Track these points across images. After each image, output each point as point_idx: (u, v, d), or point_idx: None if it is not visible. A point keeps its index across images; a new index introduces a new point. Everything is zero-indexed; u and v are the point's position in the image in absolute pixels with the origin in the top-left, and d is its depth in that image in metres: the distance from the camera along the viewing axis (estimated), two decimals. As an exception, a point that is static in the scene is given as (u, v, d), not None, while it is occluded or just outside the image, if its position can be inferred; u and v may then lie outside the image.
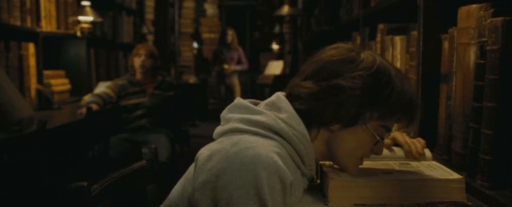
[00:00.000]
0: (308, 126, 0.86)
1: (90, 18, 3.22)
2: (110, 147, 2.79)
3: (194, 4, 7.43)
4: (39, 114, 2.63)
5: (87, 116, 2.44)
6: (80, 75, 3.66)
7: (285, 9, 3.12)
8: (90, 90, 3.60)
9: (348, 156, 0.88)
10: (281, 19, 5.72)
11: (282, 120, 0.84)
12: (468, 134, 1.05)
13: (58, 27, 3.34)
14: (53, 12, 3.26)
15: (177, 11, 7.10)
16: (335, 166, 0.95)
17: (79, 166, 2.38)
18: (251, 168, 0.77)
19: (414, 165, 0.95)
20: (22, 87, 2.80)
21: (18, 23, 2.74)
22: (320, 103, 0.85)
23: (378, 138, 0.87)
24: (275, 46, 7.18)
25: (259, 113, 0.86)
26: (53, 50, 3.49)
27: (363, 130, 0.86)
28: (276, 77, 5.31)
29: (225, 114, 0.91)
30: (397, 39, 1.61)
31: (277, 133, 0.83)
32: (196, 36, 7.63)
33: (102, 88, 3.31)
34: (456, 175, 0.88)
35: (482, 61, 0.99)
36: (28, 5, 2.85)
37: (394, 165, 0.95)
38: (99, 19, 3.47)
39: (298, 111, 0.87)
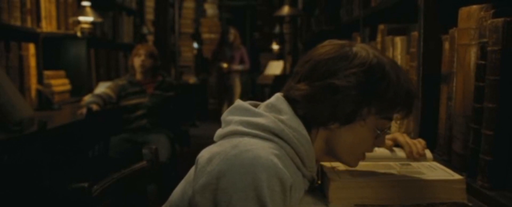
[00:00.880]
0: (308, 126, 0.86)
1: (90, 18, 3.22)
2: (110, 147, 2.79)
3: (194, 4, 7.43)
4: (39, 114, 2.63)
5: (87, 116, 2.44)
6: (80, 76, 3.65)
7: (286, 10, 3.12)
8: (90, 90, 3.59)
9: (349, 152, 0.88)
10: (281, 19, 5.72)
11: (282, 122, 0.84)
12: (469, 135, 1.05)
13: (58, 27, 3.34)
14: (53, 13, 3.26)
15: (177, 11, 7.10)
16: (336, 167, 0.95)
17: (79, 166, 2.38)
18: (250, 171, 0.76)
19: (415, 165, 0.95)
20: (22, 87, 2.80)
21: (18, 23, 2.74)
22: (316, 104, 0.84)
23: (378, 132, 0.87)
24: (275, 46, 7.18)
25: (259, 115, 0.86)
26: (53, 51, 3.49)
27: (361, 126, 0.85)
28: (276, 77, 5.31)
29: (225, 116, 0.91)
30: (398, 40, 1.61)
31: (277, 135, 0.83)
32: (196, 36, 7.62)
33: (102, 88, 3.31)
34: (457, 176, 0.88)
35: (483, 62, 0.99)
36: (28, 5, 2.85)
37: (395, 165, 0.95)
38: (99, 20, 3.46)
39: (296, 112, 0.86)
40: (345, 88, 0.83)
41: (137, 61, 3.25)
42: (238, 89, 6.38)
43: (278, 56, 7.15)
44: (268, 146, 0.81)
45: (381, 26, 1.78)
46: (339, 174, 0.88)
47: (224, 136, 0.87)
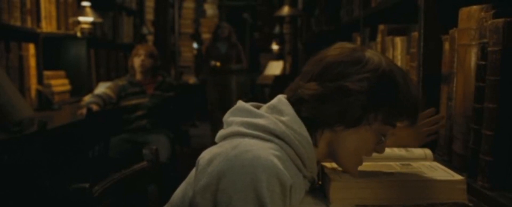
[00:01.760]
0: (311, 128, 0.86)
1: (90, 18, 3.22)
2: (110, 147, 2.79)
3: (194, 5, 7.43)
4: (39, 114, 2.63)
5: (87, 116, 2.44)
6: (80, 76, 3.66)
7: (286, 10, 3.12)
8: (90, 90, 3.59)
9: (351, 155, 0.88)
10: (281, 19, 5.71)
11: (283, 123, 0.84)
12: (469, 135, 1.05)
13: (58, 27, 3.34)
14: (53, 13, 3.26)
15: (177, 11, 7.10)
16: (337, 167, 0.95)
17: (79, 167, 2.38)
18: (250, 171, 0.77)
19: (415, 166, 0.95)
20: (22, 88, 2.80)
21: (18, 23, 2.74)
22: (325, 105, 0.84)
23: (382, 138, 0.87)
24: (275, 47, 7.19)
25: (260, 116, 0.86)
26: (53, 51, 3.49)
27: (366, 130, 0.86)
28: (276, 78, 5.32)
29: (227, 117, 0.91)
30: (398, 40, 1.61)
31: (278, 136, 0.83)
32: (196, 37, 7.63)
33: (102, 88, 3.31)
34: (457, 176, 0.88)
35: (483, 62, 0.99)
36: (28, 5, 2.85)
37: (395, 166, 0.95)
38: (99, 20, 3.47)
39: (300, 113, 0.86)
40: (357, 91, 0.83)
41: (137, 61, 3.25)
42: (234, 93, 5.33)
43: (278, 56, 7.15)
44: (269, 147, 0.81)
45: (381, 27, 1.78)
46: (340, 174, 0.89)
47: (225, 137, 0.87)
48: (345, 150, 0.87)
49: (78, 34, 3.28)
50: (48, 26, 3.16)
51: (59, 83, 3.33)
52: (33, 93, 2.94)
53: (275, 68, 6.65)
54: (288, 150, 0.83)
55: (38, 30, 2.98)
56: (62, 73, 3.45)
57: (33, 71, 2.92)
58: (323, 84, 0.84)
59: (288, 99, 0.90)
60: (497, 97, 0.92)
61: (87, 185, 0.85)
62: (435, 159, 1.07)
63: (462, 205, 0.85)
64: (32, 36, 2.93)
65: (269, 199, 0.76)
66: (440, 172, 0.91)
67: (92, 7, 3.32)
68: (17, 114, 1.95)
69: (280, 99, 0.90)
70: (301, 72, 0.92)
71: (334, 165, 0.95)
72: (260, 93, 6.06)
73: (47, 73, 3.15)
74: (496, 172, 0.93)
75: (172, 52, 6.81)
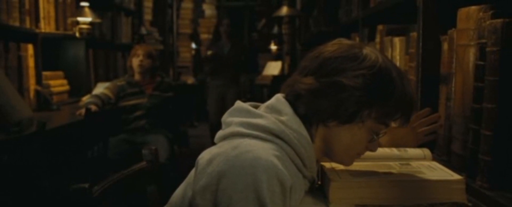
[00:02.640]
0: (307, 125, 0.86)
1: (88, 19, 3.22)
2: (109, 148, 2.79)
3: (192, 5, 7.43)
4: (38, 115, 2.62)
5: (86, 117, 2.44)
6: (78, 76, 3.65)
7: (284, 10, 3.12)
8: (88, 91, 3.59)
9: (344, 151, 0.89)
10: (280, 20, 5.72)
11: (283, 122, 0.84)
12: (468, 135, 1.05)
13: (57, 28, 3.34)
14: (52, 13, 3.26)
15: (175, 11, 7.10)
16: (336, 167, 0.95)
17: (78, 167, 2.38)
18: (250, 172, 0.77)
19: (415, 165, 0.95)
20: (21, 88, 2.80)
21: (17, 24, 2.73)
22: (319, 99, 0.84)
23: (374, 136, 0.87)
24: (273, 47, 7.19)
25: (259, 116, 0.86)
26: (51, 51, 3.48)
27: (359, 128, 0.86)
28: (275, 78, 5.32)
29: (225, 118, 0.91)
30: (397, 40, 1.61)
31: (277, 136, 0.83)
32: (195, 37, 7.62)
33: (100, 89, 3.31)
34: (456, 176, 0.88)
35: (482, 63, 0.99)
36: (27, 6, 2.84)
37: (395, 165, 0.95)
38: (98, 20, 3.46)
39: (297, 110, 0.87)
40: (351, 87, 0.83)
41: (135, 62, 3.25)
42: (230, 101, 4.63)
43: (277, 56, 7.15)
44: (269, 147, 0.81)
45: (380, 27, 1.78)
46: (340, 174, 0.89)
47: (225, 138, 0.87)
48: (338, 146, 0.88)
49: (77, 35, 3.28)
50: (46, 26, 3.15)
51: (58, 84, 3.33)
52: (31, 93, 2.94)
53: (273, 68, 6.65)
54: (287, 150, 0.83)
55: (37, 31, 2.98)
56: (60, 73, 3.45)
57: (31, 72, 2.92)
58: (319, 79, 0.85)
59: (286, 96, 0.90)
60: (496, 97, 0.93)
61: (86, 185, 0.85)
62: (434, 159, 1.07)
63: (461, 205, 0.85)
64: (31, 37, 2.93)
65: (270, 199, 0.76)
66: (439, 172, 0.91)
67: (90, 7, 3.32)
68: (16, 115, 1.95)
69: (278, 99, 0.90)
70: (298, 67, 0.93)
71: (333, 164, 0.96)
72: (259, 93, 6.05)
73: (45, 73, 3.15)
74: (495, 172, 0.93)
75: (170, 53, 6.81)
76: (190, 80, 7.03)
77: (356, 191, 0.84)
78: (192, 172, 0.89)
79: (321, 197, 0.90)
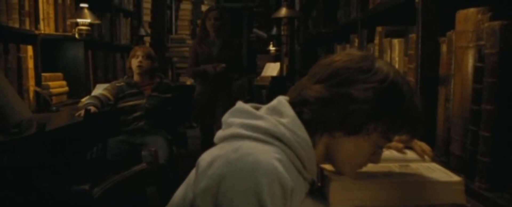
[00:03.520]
0: (310, 130, 0.86)
1: (88, 20, 3.22)
2: (108, 149, 2.79)
3: (191, 6, 7.43)
4: (37, 116, 2.62)
5: (86, 118, 2.44)
6: (78, 77, 3.66)
7: (283, 11, 3.13)
8: (88, 92, 3.60)
9: (346, 162, 0.89)
10: (278, 21, 5.74)
11: (283, 125, 0.84)
12: (467, 137, 1.06)
13: (56, 29, 3.34)
14: (51, 14, 3.26)
15: (174, 12, 7.11)
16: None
17: (78, 168, 2.38)
18: (251, 175, 0.77)
19: (414, 167, 0.96)
20: (21, 89, 2.80)
21: (16, 25, 2.74)
22: (327, 109, 0.84)
23: (379, 149, 0.88)
24: (272, 48, 7.19)
25: (260, 118, 0.86)
26: (50, 52, 3.49)
27: (364, 140, 0.86)
28: (274, 79, 5.32)
29: (226, 118, 0.92)
30: (396, 42, 1.61)
31: (278, 138, 0.83)
32: (194, 38, 7.63)
33: (99, 90, 3.31)
34: (456, 177, 0.89)
35: (480, 65, 1.00)
36: (26, 7, 2.85)
37: (394, 167, 0.96)
38: (97, 21, 3.47)
39: (300, 115, 0.87)
40: (361, 100, 0.83)
41: (134, 63, 3.25)
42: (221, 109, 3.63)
43: (275, 57, 7.16)
44: (269, 150, 0.81)
45: (379, 28, 1.79)
46: (340, 176, 0.89)
47: (225, 139, 0.87)
48: (341, 157, 0.88)
49: (76, 36, 3.28)
50: (46, 27, 3.16)
51: (57, 85, 3.33)
52: (31, 94, 2.94)
53: (272, 69, 6.66)
54: (288, 152, 0.83)
55: (37, 32, 2.98)
56: (59, 75, 3.45)
57: (31, 73, 2.92)
58: (329, 88, 0.85)
59: (291, 99, 0.90)
60: (495, 99, 0.93)
61: (87, 187, 0.86)
62: (433, 160, 1.08)
63: (460, 206, 0.86)
64: (31, 38, 2.93)
65: (271, 202, 0.76)
66: (438, 173, 0.92)
67: (90, 8, 3.32)
68: (15, 116, 1.95)
69: (280, 101, 0.90)
70: (307, 73, 0.92)
71: (332, 167, 0.96)
72: (258, 94, 6.05)
73: (45, 74, 3.15)
74: (494, 173, 0.94)
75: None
76: (189, 81, 7.03)
77: (356, 193, 0.85)
78: (193, 173, 0.90)
79: (321, 199, 0.90)
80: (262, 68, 7.10)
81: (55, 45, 3.55)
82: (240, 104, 0.92)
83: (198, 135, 4.81)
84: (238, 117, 0.89)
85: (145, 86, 3.24)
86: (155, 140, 2.98)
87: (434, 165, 0.98)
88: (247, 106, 0.91)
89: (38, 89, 2.97)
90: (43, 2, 3.10)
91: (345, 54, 0.91)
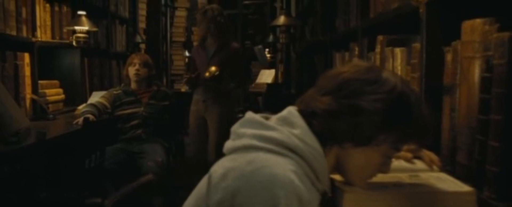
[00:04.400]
0: (321, 142, 0.86)
1: (85, 27, 3.21)
2: (106, 157, 2.77)
3: (186, 13, 7.44)
4: (34, 124, 2.60)
5: (84, 126, 2.43)
6: (74, 85, 3.64)
7: (282, 19, 3.15)
8: (84, 100, 3.58)
9: (357, 173, 0.89)
10: (274, 28, 5.76)
11: (296, 136, 0.84)
12: (474, 146, 1.06)
13: (53, 36, 3.32)
14: (48, 22, 3.24)
15: (168, 19, 7.11)
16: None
17: (76, 177, 2.36)
18: (268, 188, 0.76)
19: (424, 177, 0.96)
20: (17, 97, 2.78)
21: (14, 33, 2.72)
22: (337, 121, 0.84)
23: (388, 159, 0.88)
24: (267, 55, 7.21)
25: (272, 129, 0.86)
26: (47, 60, 3.47)
27: (374, 151, 0.86)
28: (269, 86, 5.32)
29: (236, 128, 0.91)
30: (398, 51, 1.62)
31: (291, 150, 0.83)
32: (188, 45, 7.62)
33: (96, 98, 3.30)
34: (466, 188, 0.89)
35: (488, 75, 1.01)
36: (24, 15, 2.83)
37: (404, 177, 0.96)
38: (94, 29, 3.46)
39: (311, 126, 0.86)
40: (370, 111, 0.83)
41: (131, 71, 3.25)
42: (213, 133, 3.37)
43: (270, 64, 7.17)
44: (285, 162, 0.81)
45: (380, 37, 1.80)
46: (352, 187, 0.89)
47: (236, 150, 0.87)
48: (352, 168, 0.88)
49: (74, 44, 3.27)
50: (42, 35, 3.14)
51: (54, 93, 3.31)
52: (27, 102, 2.91)
53: (267, 76, 6.66)
54: (302, 164, 0.83)
55: (34, 39, 2.96)
56: (56, 82, 3.43)
57: (28, 81, 2.90)
58: (338, 100, 0.85)
59: (299, 111, 0.90)
60: (504, 109, 0.94)
61: (99, 199, 0.85)
62: (441, 169, 1.08)
63: (472, 216, 0.86)
64: (28, 45, 2.91)
65: None
66: (449, 183, 0.92)
67: (87, 16, 3.31)
68: (14, 125, 1.93)
69: (291, 111, 0.90)
70: (315, 85, 0.93)
71: (341, 177, 0.96)
72: (254, 101, 6.04)
73: (41, 82, 3.13)
74: (504, 183, 0.94)
75: (164, 61, 6.80)
76: (184, 88, 7.02)
77: (369, 204, 0.84)
78: (202, 184, 0.89)
79: (333, 210, 0.90)
80: (256, 75, 7.10)
81: (50, 52, 3.53)
82: (250, 114, 0.92)
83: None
84: (249, 127, 0.88)
85: (142, 94, 3.23)
86: (153, 148, 2.96)
87: (444, 175, 0.99)
88: (258, 117, 0.91)
89: (35, 97, 2.94)
90: (40, 9, 3.09)
91: (352, 66, 0.92)
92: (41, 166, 1.80)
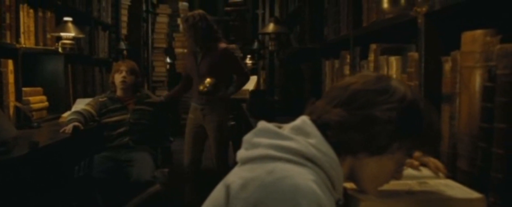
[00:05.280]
0: (336, 151, 0.87)
1: (72, 34, 3.16)
2: (94, 166, 2.72)
3: (167, 19, 7.40)
4: (20, 133, 2.54)
5: (73, 134, 2.39)
6: (57, 92, 3.57)
7: (271, 27, 3.17)
8: (68, 107, 3.51)
9: (371, 182, 0.90)
10: (258, 35, 5.78)
11: (313, 146, 0.85)
12: (475, 153, 1.09)
13: (37, 43, 3.26)
14: (32, 28, 3.18)
15: (150, 26, 7.06)
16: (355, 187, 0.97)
17: (65, 187, 2.31)
18: (290, 198, 0.77)
19: (433, 184, 0.98)
20: (1, 105, 2.71)
21: (-3, 39, 2.66)
22: (352, 132, 0.85)
23: (401, 166, 0.90)
24: (248, 62, 7.23)
25: (288, 138, 0.86)
26: (30, 67, 3.40)
27: (388, 159, 0.88)
28: (253, 93, 5.32)
29: (250, 138, 0.91)
30: (393, 59, 1.65)
31: (309, 159, 0.84)
32: (169, 51, 7.58)
33: (80, 105, 3.24)
34: (476, 194, 0.92)
35: (491, 84, 1.04)
36: (8, 20, 2.77)
37: (413, 184, 0.98)
38: (81, 35, 3.41)
39: (325, 137, 0.87)
40: (384, 121, 0.85)
41: (118, 78, 3.22)
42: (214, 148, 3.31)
43: (251, 71, 7.20)
44: (304, 172, 0.81)
45: (374, 46, 1.83)
46: (365, 195, 0.91)
47: (252, 160, 0.87)
48: (367, 176, 0.90)
49: (60, 50, 3.22)
50: (26, 41, 3.08)
51: (37, 100, 3.24)
52: (11, 110, 2.84)
53: (249, 83, 6.68)
54: (320, 173, 0.83)
55: (18, 46, 2.90)
56: (39, 89, 3.36)
57: (11, 88, 2.83)
58: (351, 111, 0.86)
59: (313, 121, 0.91)
60: (508, 117, 0.97)
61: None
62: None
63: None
64: (11, 52, 2.85)
65: None
66: (458, 190, 0.94)
67: (73, 22, 3.26)
68: (2, 134, 1.89)
69: (305, 121, 0.91)
70: (326, 95, 0.94)
71: (353, 185, 0.97)
72: (237, 108, 6.03)
73: (25, 89, 3.06)
74: (508, 189, 0.97)
75: (146, 67, 6.74)
76: (165, 94, 6.97)
77: (386, 211, 0.86)
78: (218, 195, 0.87)
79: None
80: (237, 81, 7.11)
81: (34, 59, 3.46)
82: (264, 124, 0.92)
83: (176, 149, 4.71)
84: (264, 137, 0.88)
85: (129, 100, 3.20)
86: (141, 156, 2.93)
87: (451, 182, 1.01)
88: (272, 126, 0.91)
89: (19, 104, 2.88)
90: (23, 15, 3.03)
91: (360, 76, 0.93)
92: (34, 177, 1.76)
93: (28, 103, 3.05)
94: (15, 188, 1.70)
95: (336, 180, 0.86)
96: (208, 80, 3.16)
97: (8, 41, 2.80)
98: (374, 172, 0.89)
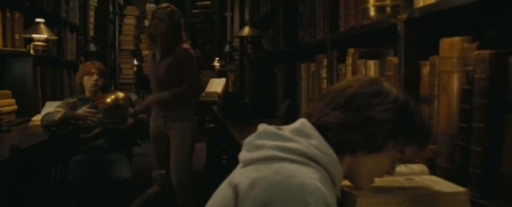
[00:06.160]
0: (335, 151, 0.93)
1: (44, 36, 3.10)
2: (69, 170, 2.68)
3: (135, 21, 7.32)
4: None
5: (50, 136, 2.35)
6: (26, 95, 3.48)
7: (246, 30, 3.22)
8: (37, 110, 3.43)
9: (367, 178, 0.97)
10: (231, 38, 5.82)
11: (314, 146, 0.90)
12: (454, 151, 1.19)
13: (5, 44, 3.17)
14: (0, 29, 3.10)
15: (117, 27, 6.96)
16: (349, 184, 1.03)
17: (42, 190, 2.27)
18: (299, 196, 0.81)
19: (419, 180, 1.06)
20: (-30, 109, 2.63)
21: (-34, 40, 2.58)
22: (351, 133, 0.91)
23: (395, 163, 0.97)
24: (216, 64, 7.25)
25: (291, 140, 0.91)
26: (-3, 69, 3.30)
27: (384, 157, 0.95)
28: (225, 95, 5.34)
29: (252, 140, 0.95)
30: (371, 63, 1.74)
31: (312, 159, 0.89)
32: (137, 53, 7.49)
33: (50, 108, 3.18)
34: (460, 188, 1.00)
35: (468, 87, 1.13)
36: (-24, 21, 2.69)
37: (402, 181, 1.05)
38: (54, 37, 3.34)
39: (325, 138, 0.92)
40: (381, 121, 0.91)
41: (89, 80, 3.18)
42: (184, 155, 2.92)
43: (220, 73, 7.22)
44: (309, 171, 0.86)
45: (351, 50, 1.90)
46: (360, 191, 0.97)
47: (257, 161, 0.90)
48: (364, 173, 0.96)
49: (32, 52, 3.14)
50: (-6, 43, 3.00)
51: (6, 103, 3.15)
52: (-20, 114, 2.76)
53: (217, 85, 6.68)
54: (322, 172, 0.89)
55: (-13, 48, 2.82)
56: (8, 92, 3.27)
57: (-20, 91, 2.75)
58: (349, 113, 0.92)
59: (312, 123, 0.96)
60: (485, 118, 1.06)
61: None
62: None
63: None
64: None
65: None
66: (443, 185, 1.02)
67: (46, 23, 3.19)
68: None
69: (304, 123, 0.96)
70: (322, 99, 0.99)
71: (347, 182, 1.04)
72: (206, 110, 6.03)
73: (-7, 92, 2.98)
74: (486, 184, 1.06)
75: (113, 69, 6.65)
76: (133, 97, 6.88)
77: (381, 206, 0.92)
78: (224, 195, 0.90)
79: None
80: (205, 83, 7.11)
81: (2, 61, 3.36)
82: (265, 126, 0.97)
83: (144, 152, 4.63)
84: (268, 139, 0.93)
85: (98, 99, 3.17)
86: (117, 158, 2.91)
87: (435, 178, 1.09)
88: (274, 128, 0.96)
89: (-13, 108, 2.80)
90: (-9, 16, 2.95)
91: (354, 80, 1.00)
92: (16, 181, 1.73)
93: (-3, 106, 2.97)
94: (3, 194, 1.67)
95: (336, 179, 0.91)
96: (121, 95, 2.97)
97: (-23, 42, 2.72)
98: (371, 169, 0.95)
